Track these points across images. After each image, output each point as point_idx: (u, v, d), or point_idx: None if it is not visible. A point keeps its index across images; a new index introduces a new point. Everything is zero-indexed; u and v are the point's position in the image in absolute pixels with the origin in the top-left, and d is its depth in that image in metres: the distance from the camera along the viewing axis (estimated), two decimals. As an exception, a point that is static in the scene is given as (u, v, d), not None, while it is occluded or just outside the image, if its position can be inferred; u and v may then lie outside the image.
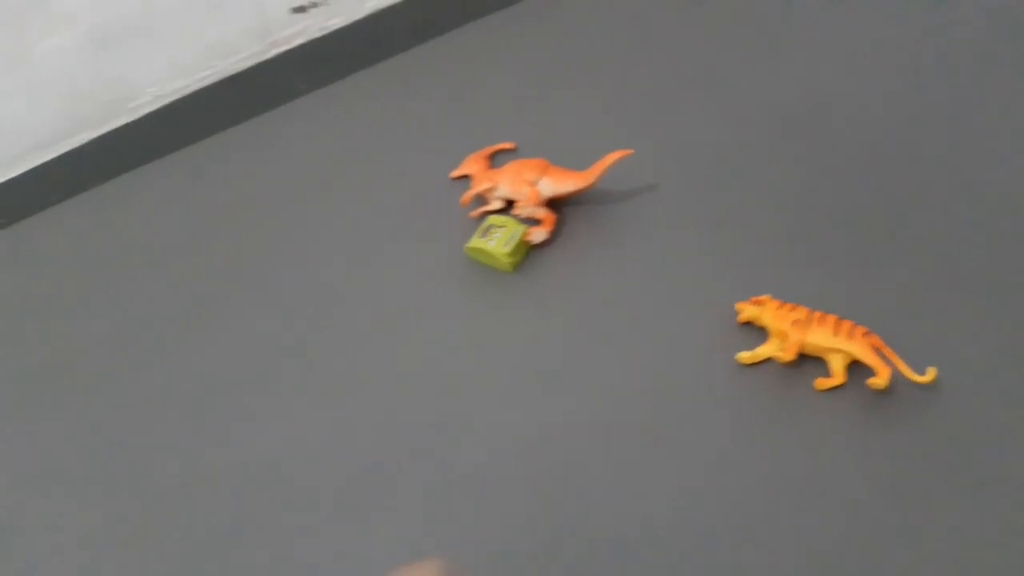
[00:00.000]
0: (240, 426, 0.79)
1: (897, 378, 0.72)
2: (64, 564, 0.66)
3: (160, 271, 1.01)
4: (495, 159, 1.02)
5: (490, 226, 0.92)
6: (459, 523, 0.68)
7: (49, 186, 1.20)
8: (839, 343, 0.73)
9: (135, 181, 1.17)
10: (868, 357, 0.72)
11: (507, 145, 1.04)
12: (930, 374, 0.70)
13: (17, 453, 0.76)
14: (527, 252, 0.91)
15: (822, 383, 0.74)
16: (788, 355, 0.75)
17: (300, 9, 1.20)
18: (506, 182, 0.94)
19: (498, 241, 0.90)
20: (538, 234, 0.92)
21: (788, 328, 0.75)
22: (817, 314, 0.75)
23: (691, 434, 0.73)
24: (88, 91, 1.17)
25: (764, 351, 0.77)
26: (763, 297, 0.78)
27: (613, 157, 0.90)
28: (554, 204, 0.94)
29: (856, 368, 0.74)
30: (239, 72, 1.21)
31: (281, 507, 0.72)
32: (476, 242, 0.91)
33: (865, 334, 0.73)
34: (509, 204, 0.96)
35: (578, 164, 0.94)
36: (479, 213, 0.97)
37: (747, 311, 0.78)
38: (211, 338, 0.86)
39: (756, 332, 0.77)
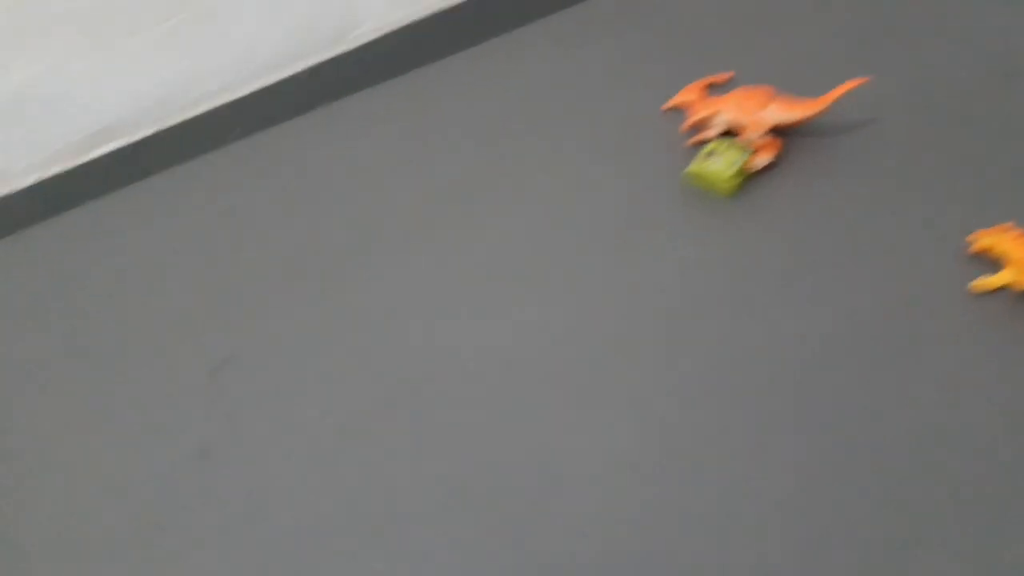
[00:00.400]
0: (462, 325, 0.85)
1: None
2: (303, 448, 0.74)
3: (379, 186, 1.08)
4: (711, 91, 1.03)
5: (711, 151, 0.94)
6: (675, 429, 0.72)
7: (275, 106, 1.31)
8: None
9: (354, 105, 1.25)
10: None
11: (724, 76, 1.06)
12: None
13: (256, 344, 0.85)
14: (748, 178, 0.93)
15: (1064, 312, 0.74)
16: None
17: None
18: (729, 109, 0.96)
19: (720, 164, 0.92)
20: (761, 160, 0.94)
21: None
22: None
23: (919, 362, 0.73)
24: (315, 18, 1.26)
25: (1001, 278, 0.76)
26: (1004, 225, 0.77)
27: (848, 86, 0.90)
28: (778, 132, 0.95)
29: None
30: (454, 5, 1.28)
31: (500, 399, 0.77)
32: (697, 166, 0.94)
33: None
34: (728, 134, 0.98)
35: (800, 94, 0.94)
36: (697, 140, 0.99)
37: (983, 239, 0.78)
38: (428, 249, 0.92)
39: (989, 265, 0.77)
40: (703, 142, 0.99)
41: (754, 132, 0.94)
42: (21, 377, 0.74)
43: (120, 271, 0.88)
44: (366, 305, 0.83)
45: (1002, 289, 0.75)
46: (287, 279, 0.90)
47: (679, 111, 1.03)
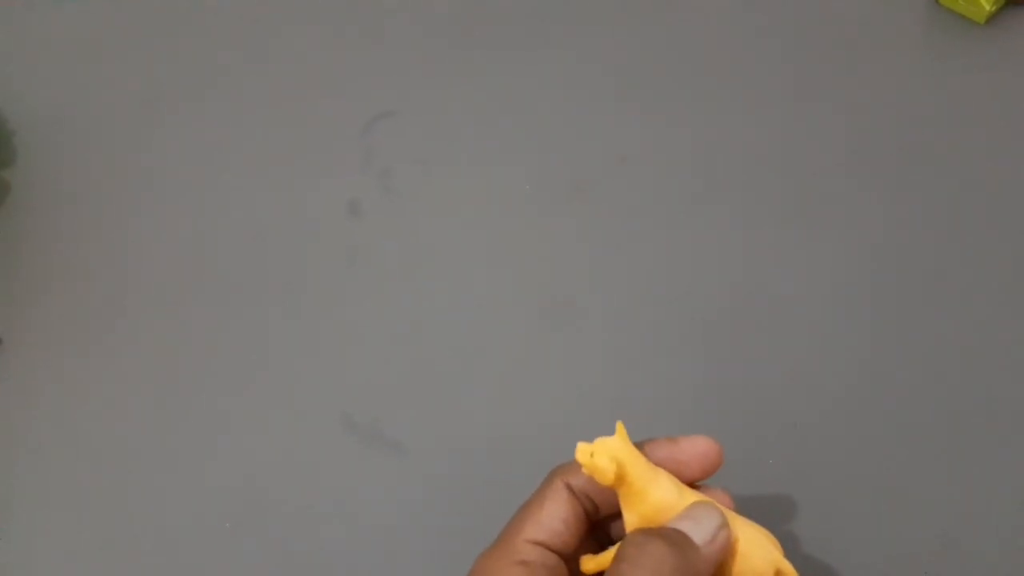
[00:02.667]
0: (659, 131, 0.75)
1: None
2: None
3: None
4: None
5: (970, -34, 0.83)
6: (886, 259, 0.63)
7: None
8: None
9: None
10: None
11: None
12: None
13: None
14: (1005, 6, 0.83)
15: None
16: None
17: None
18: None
19: (981, -16, 0.81)
20: (1025, -12, 0.83)
21: None
22: None
23: None
24: None
25: None
26: None
27: None
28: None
29: None
30: None
31: (701, 210, 0.68)
32: (953, -20, 0.83)
33: None
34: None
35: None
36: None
37: None
38: (617, 32, 0.80)
39: None
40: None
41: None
42: (168, 117, 0.66)
43: (268, 16, 0.77)
44: (547, 78, 0.72)
45: None
46: (457, 40, 0.78)
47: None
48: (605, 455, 0.31)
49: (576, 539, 0.32)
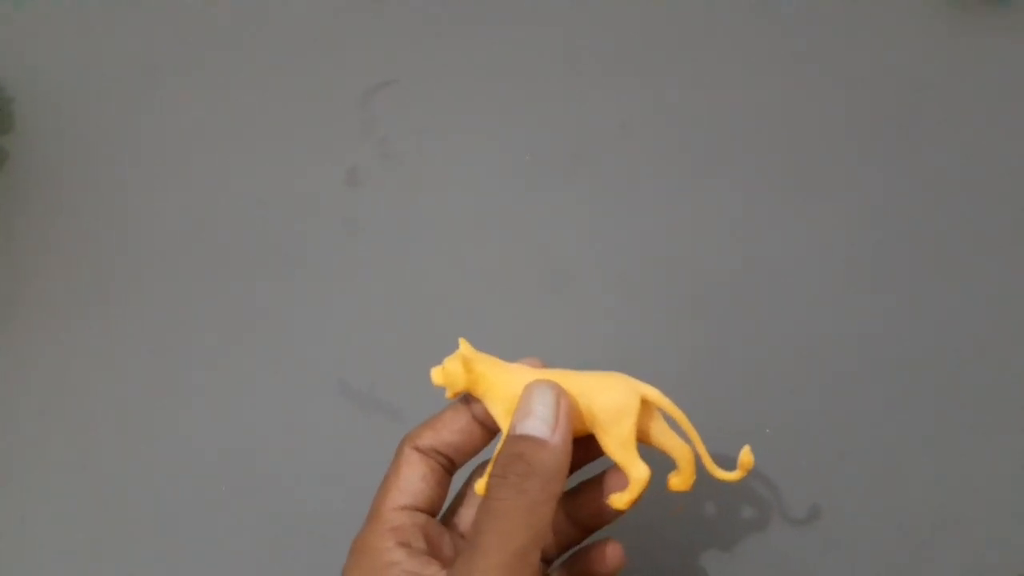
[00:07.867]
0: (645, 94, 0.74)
1: None
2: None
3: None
4: None
5: (979, -62, 0.81)
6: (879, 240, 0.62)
7: None
8: None
9: None
10: None
11: None
12: None
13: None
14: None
15: None
16: None
17: None
18: None
19: (990, -44, 0.80)
20: (1035, -41, 0.82)
21: None
22: None
23: None
24: None
25: None
26: None
27: None
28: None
29: None
30: None
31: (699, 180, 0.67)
32: (962, -48, 0.81)
33: None
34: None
35: None
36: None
37: None
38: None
39: None
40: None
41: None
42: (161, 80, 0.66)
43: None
44: (547, 47, 0.71)
45: None
46: (457, 9, 0.77)
47: None
48: (453, 361, 0.34)
49: (439, 493, 0.34)
